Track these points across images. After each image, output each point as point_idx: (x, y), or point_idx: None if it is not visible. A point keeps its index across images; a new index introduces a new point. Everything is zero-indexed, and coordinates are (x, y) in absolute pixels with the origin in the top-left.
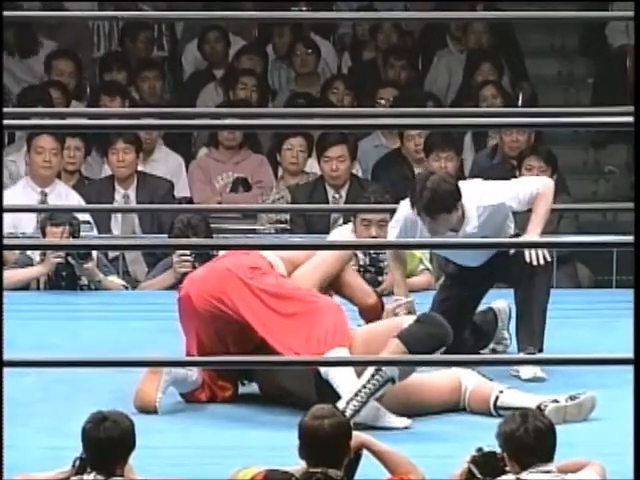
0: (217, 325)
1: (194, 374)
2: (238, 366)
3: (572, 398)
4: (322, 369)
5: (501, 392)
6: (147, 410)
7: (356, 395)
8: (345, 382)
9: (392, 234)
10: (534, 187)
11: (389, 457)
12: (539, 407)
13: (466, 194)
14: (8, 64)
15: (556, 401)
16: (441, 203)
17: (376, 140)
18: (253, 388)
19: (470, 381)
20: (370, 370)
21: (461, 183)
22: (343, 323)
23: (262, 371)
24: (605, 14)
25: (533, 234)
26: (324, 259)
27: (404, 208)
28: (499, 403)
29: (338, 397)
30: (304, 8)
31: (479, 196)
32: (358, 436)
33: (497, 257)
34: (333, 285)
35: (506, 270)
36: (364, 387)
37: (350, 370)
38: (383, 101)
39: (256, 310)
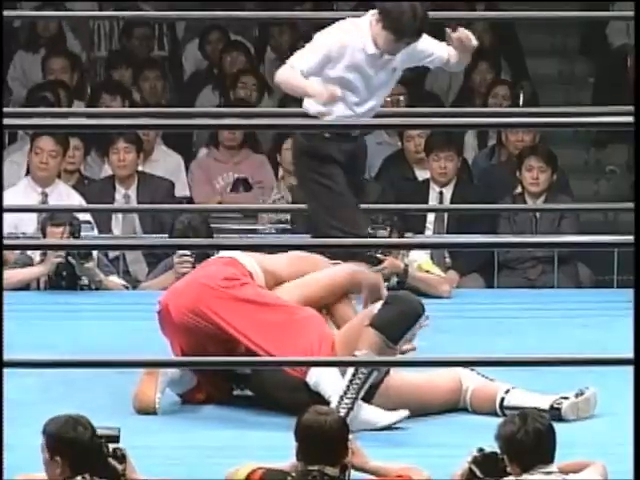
0: (198, 338)
1: (188, 373)
2: (234, 366)
3: (580, 394)
4: (311, 381)
5: (507, 392)
6: (147, 411)
7: (345, 393)
8: (336, 392)
9: (309, 57)
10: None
11: (379, 471)
12: (552, 406)
13: None
14: None
15: (566, 398)
16: (426, 23)
17: (378, 137)
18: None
19: (471, 381)
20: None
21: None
22: (327, 335)
23: (254, 382)
24: (606, 14)
25: None
26: (310, 282)
27: (338, 37)
28: (506, 403)
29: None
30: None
31: None
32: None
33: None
34: (329, 315)
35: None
36: (351, 383)
37: (340, 380)
38: (389, 98)
39: (237, 321)
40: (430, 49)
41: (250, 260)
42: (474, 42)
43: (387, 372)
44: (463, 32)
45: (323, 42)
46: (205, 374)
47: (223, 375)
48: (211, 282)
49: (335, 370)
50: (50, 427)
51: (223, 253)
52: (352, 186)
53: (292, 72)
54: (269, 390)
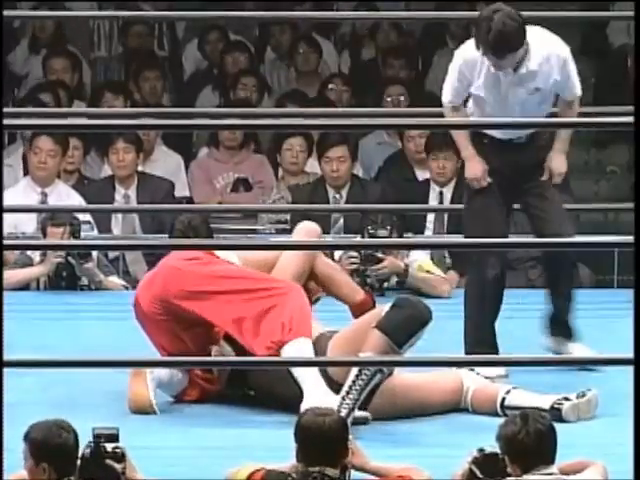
0: (171, 326)
1: (179, 373)
2: (232, 366)
3: (581, 395)
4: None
5: (508, 392)
6: (145, 412)
7: (348, 393)
8: (306, 374)
9: (447, 87)
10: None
11: (379, 471)
12: (553, 406)
13: (533, 34)
14: None
15: (567, 399)
16: (507, 43)
17: (379, 137)
18: None
19: (472, 381)
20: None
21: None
22: (306, 312)
23: (253, 375)
24: (606, 14)
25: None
26: (290, 259)
27: (459, 54)
28: (506, 403)
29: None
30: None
31: (546, 40)
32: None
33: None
34: (321, 284)
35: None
36: (354, 383)
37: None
38: (390, 99)
39: (208, 301)
40: (563, 85)
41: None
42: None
43: (390, 374)
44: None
45: (452, 66)
46: (195, 371)
47: (216, 372)
48: (176, 263)
49: (310, 352)
50: (34, 434)
51: None
52: (509, 196)
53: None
54: (269, 382)
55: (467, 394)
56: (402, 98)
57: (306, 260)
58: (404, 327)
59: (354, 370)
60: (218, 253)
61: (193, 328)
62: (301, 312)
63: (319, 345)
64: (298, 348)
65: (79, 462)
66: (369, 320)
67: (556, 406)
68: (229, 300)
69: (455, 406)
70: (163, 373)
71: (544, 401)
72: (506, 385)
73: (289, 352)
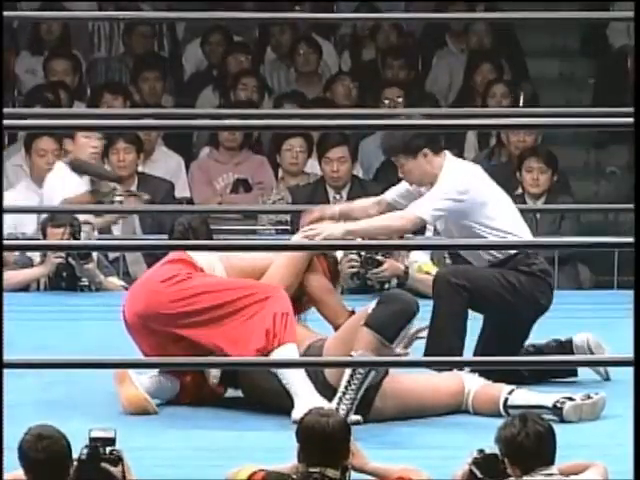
0: (156, 341)
1: (167, 381)
2: (224, 367)
3: (587, 397)
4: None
5: (510, 392)
6: (145, 411)
7: (344, 394)
8: (294, 379)
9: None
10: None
11: (378, 472)
12: (555, 405)
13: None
14: None
15: (571, 399)
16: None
17: (378, 140)
18: None
19: (473, 383)
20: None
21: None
22: (289, 315)
23: (245, 377)
24: (606, 14)
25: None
26: (278, 270)
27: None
28: (510, 402)
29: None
30: (298, 7)
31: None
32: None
33: None
34: (311, 301)
35: None
36: (349, 384)
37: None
38: (387, 101)
39: (188, 320)
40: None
41: (206, 256)
42: None
43: (386, 372)
44: None
45: None
46: (186, 377)
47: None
48: (154, 287)
49: (295, 354)
50: (21, 440)
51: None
52: None
53: None
54: (258, 391)
55: (468, 397)
56: (400, 100)
57: (294, 272)
58: (392, 322)
59: (347, 371)
60: (202, 261)
61: (179, 342)
62: (283, 316)
63: (310, 355)
64: (285, 355)
65: (75, 464)
66: (358, 319)
67: (558, 405)
68: (210, 316)
69: (456, 409)
70: (147, 384)
71: (547, 399)
72: (508, 386)
73: (278, 353)
